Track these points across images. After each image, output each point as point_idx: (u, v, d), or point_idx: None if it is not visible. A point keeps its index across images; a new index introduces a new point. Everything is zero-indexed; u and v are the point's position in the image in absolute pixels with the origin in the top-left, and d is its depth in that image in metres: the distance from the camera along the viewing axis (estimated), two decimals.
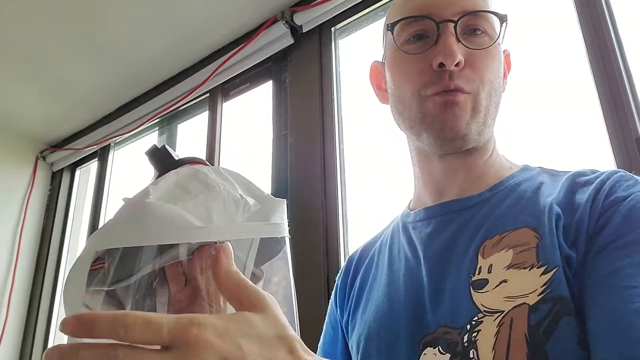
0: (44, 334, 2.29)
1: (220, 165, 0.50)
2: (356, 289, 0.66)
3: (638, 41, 1.03)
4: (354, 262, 0.71)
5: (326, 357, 0.68)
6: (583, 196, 0.50)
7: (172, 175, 0.46)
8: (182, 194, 0.44)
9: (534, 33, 1.19)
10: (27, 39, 1.79)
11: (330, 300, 0.73)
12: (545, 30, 1.20)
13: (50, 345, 2.25)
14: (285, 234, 0.48)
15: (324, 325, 0.72)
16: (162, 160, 0.51)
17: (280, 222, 0.47)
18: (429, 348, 0.51)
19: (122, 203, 0.44)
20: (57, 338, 2.30)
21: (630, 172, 0.53)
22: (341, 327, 0.68)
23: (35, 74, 2.02)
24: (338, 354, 0.67)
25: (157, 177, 0.50)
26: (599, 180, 0.51)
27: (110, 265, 0.42)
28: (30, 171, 2.53)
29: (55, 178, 2.58)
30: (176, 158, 0.51)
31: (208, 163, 0.52)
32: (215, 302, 0.45)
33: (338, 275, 0.73)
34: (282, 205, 0.49)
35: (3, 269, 2.32)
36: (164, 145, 0.51)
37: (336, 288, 0.71)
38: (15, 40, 1.79)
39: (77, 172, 2.58)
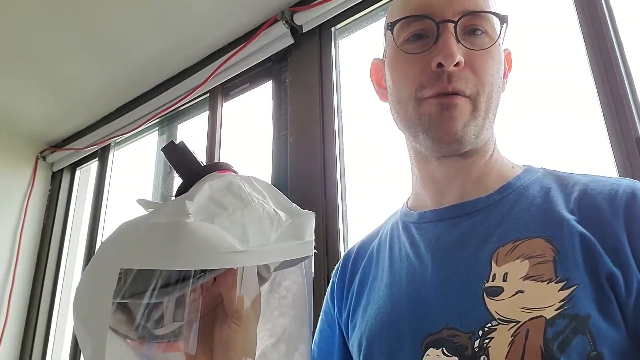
0: (44, 334, 2.29)
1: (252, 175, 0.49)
2: (355, 287, 0.65)
3: (638, 41, 1.03)
4: (351, 259, 0.70)
5: (322, 355, 0.69)
6: (609, 209, 0.49)
7: (205, 188, 0.44)
8: (218, 210, 0.43)
9: (534, 33, 1.19)
10: (27, 39, 1.79)
11: (326, 297, 0.72)
12: (545, 30, 1.20)
13: (50, 345, 2.25)
14: (313, 250, 0.48)
15: (319, 323, 0.72)
16: (185, 161, 0.48)
17: (312, 238, 0.47)
18: (431, 349, 0.50)
19: (141, 206, 0.43)
20: (57, 338, 2.30)
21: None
22: (339, 324, 0.67)
23: (35, 74, 2.02)
24: (335, 351, 0.67)
25: (182, 183, 0.47)
26: (621, 192, 0.50)
27: (127, 278, 0.40)
28: (30, 171, 2.53)
29: (55, 178, 2.58)
30: (199, 160, 0.49)
31: (235, 170, 0.50)
32: (240, 320, 0.44)
33: (334, 272, 0.72)
34: (312, 220, 0.48)
35: (3, 269, 2.32)
36: (182, 141, 0.49)
37: (332, 285, 0.71)
38: (16, 40, 1.79)
39: (77, 172, 2.58)
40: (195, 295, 0.45)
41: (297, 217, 0.48)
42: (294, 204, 0.49)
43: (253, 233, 0.43)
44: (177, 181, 0.49)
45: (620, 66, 1.02)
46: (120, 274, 0.39)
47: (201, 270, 0.42)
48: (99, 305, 0.37)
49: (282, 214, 0.47)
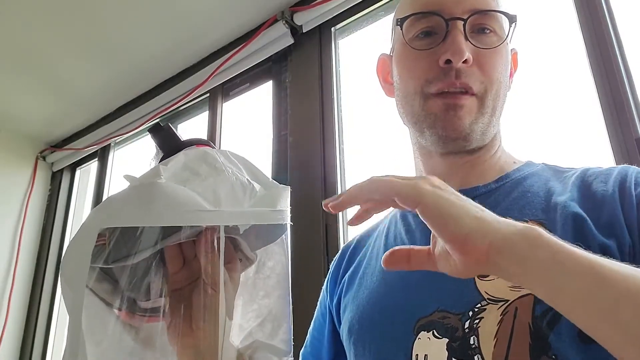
0: (44, 334, 2.29)
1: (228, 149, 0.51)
2: (348, 274, 0.66)
3: (638, 41, 1.03)
4: (349, 250, 0.71)
5: (314, 342, 0.70)
6: (605, 188, 0.50)
7: (180, 156, 0.46)
8: (191, 176, 0.44)
9: (534, 33, 1.19)
10: (27, 39, 1.79)
11: (322, 288, 0.73)
12: (545, 30, 1.20)
13: (50, 345, 2.25)
14: (288, 221, 0.49)
15: (315, 312, 0.73)
16: (167, 139, 0.51)
17: (285, 209, 0.48)
18: (423, 332, 0.51)
19: (126, 181, 0.44)
20: (57, 338, 2.30)
21: None
22: (329, 311, 0.68)
23: (35, 74, 2.02)
24: (325, 339, 0.68)
25: (161, 157, 0.50)
26: (616, 172, 0.51)
27: (110, 243, 0.41)
28: (30, 171, 2.53)
29: (55, 178, 2.58)
30: (181, 138, 0.51)
31: (214, 145, 0.52)
32: (217, 286, 0.45)
33: (332, 262, 0.73)
34: (287, 193, 0.49)
35: (3, 268, 2.32)
36: (167, 123, 0.52)
37: (329, 275, 0.72)
38: (16, 40, 1.79)
39: (77, 172, 2.58)
40: (176, 268, 0.47)
41: (272, 189, 0.48)
42: (271, 179, 0.50)
43: (225, 198, 0.44)
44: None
45: (620, 66, 1.02)
46: (104, 239, 0.41)
47: (177, 229, 0.43)
48: (80, 263, 0.39)
49: (256, 185, 0.48)
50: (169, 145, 0.50)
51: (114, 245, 0.41)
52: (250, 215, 0.45)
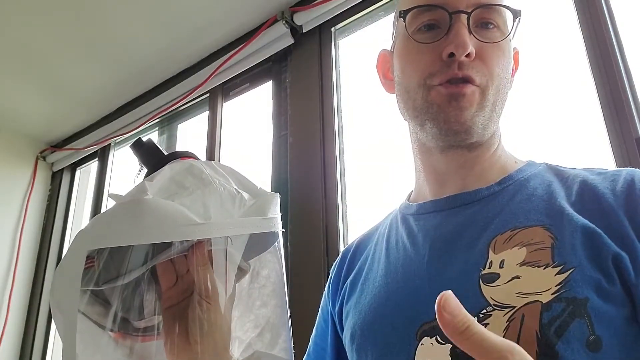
0: (44, 334, 2.29)
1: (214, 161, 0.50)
2: (350, 279, 0.65)
3: (638, 41, 1.03)
4: (349, 254, 0.70)
5: (317, 350, 0.69)
6: (611, 197, 0.49)
7: (166, 170, 0.45)
8: (179, 190, 0.44)
9: (534, 33, 1.19)
10: (27, 39, 1.79)
11: (324, 293, 0.72)
12: (545, 30, 1.20)
13: (50, 345, 2.25)
14: (279, 228, 0.48)
15: (317, 318, 0.72)
16: (150, 154, 0.50)
17: (276, 216, 0.47)
18: (426, 338, 0.50)
19: (112, 200, 0.44)
20: (57, 338, 2.30)
21: None
22: (332, 317, 0.67)
23: (35, 74, 2.02)
24: (328, 346, 0.67)
25: (146, 172, 0.49)
26: (621, 180, 0.50)
27: (100, 264, 0.41)
28: (30, 171, 2.53)
29: (55, 178, 2.58)
30: (164, 152, 0.51)
31: (198, 157, 0.52)
32: (212, 299, 0.45)
33: (332, 267, 0.72)
34: (276, 199, 0.49)
35: (3, 269, 2.32)
36: (149, 138, 0.51)
37: (330, 280, 0.71)
38: (16, 40, 1.79)
39: (77, 172, 2.58)
40: (169, 284, 0.46)
41: (261, 197, 0.48)
42: (260, 186, 0.50)
43: (214, 210, 0.43)
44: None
45: (620, 66, 1.02)
46: (93, 261, 0.40)
47: (167, 246, 0.43)
48: (70, 287, 0.38)
49: (245, 194, 0.47)
50: (153, 160, 0.49)
51: (103, 266, 0.41)
52: (241, 225, 0.44)
